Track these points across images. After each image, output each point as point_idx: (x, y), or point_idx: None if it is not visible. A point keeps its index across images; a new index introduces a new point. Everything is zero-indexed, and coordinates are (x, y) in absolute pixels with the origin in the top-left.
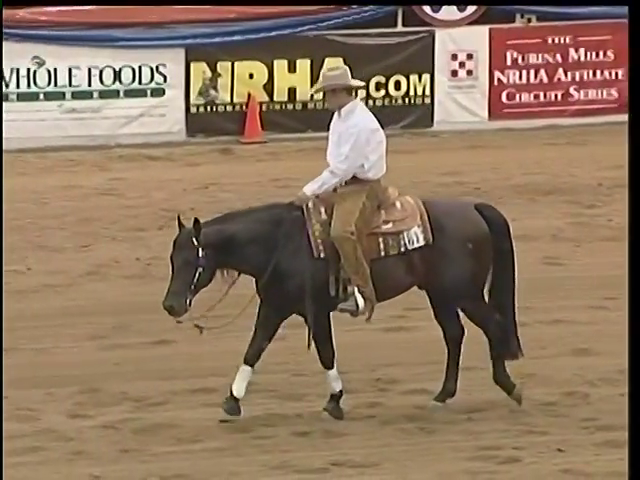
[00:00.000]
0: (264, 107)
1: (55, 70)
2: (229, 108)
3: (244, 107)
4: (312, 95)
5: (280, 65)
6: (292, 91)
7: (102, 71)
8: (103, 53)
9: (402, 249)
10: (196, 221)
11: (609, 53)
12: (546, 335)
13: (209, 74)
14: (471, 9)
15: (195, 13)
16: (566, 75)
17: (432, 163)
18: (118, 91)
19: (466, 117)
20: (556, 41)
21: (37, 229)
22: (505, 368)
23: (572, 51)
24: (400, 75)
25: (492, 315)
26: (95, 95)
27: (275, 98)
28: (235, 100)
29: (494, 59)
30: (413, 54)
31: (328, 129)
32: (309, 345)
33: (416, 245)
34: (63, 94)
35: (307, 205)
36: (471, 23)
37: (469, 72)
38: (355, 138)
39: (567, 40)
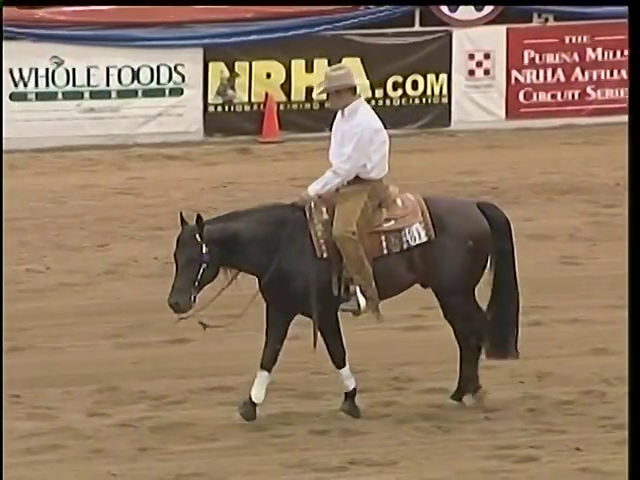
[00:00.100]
0: (281, 107)
1: (74, 70)
2: (247, 108)
3: (262, 107)
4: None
5: (297, 65)
6: (309, 91)
7: (120, 71)
8: (121, 53)
9: (404, 246)
10: (199, 218)
11: (626, 53)
12: (563, 334)
13: (227, 74)
14: (488, 9)
15: (213, 13)
16: (583, 74)
17: (449, 162)
18: (136, 91)
19: (483, 116)
20: (573, 40)
21: (55, 228)
22: (477, 367)
23: (589, 50)
24: (417, 75)
25: (479, 314)
26: (113, 95)
27: (292, 98)
28: (253, 100)
29: (511, 59)
30: (430, 54)
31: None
32: (315, 344)
33: (418, 242)
34: (81, 94)
35: (309, 205)
36: (488, 23)
37: (486, 72)
38: (358, 138)
39: (584, 39)
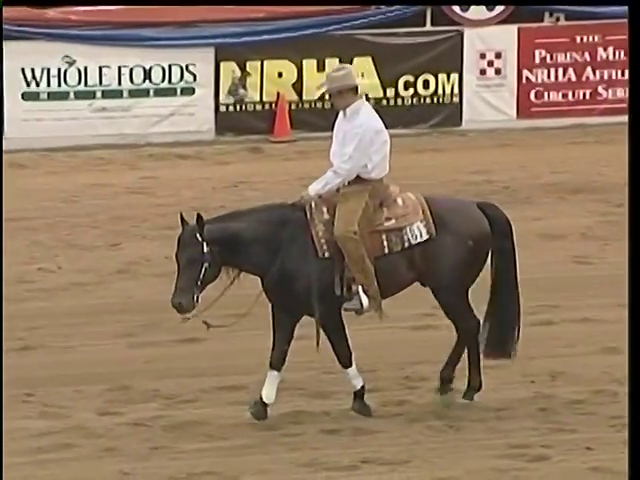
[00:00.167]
0: (293, 106)
1: (85, 69)
2: (258, 107)
3: (273, 106)
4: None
5: (309, 64)
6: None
7: (132, 70)
8: (133, 52)
9: (405, 245)
10: (199, 217)
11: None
12: (574, 333)
13: (238, 73)
14: (500, 8)
15: (224, 13)
16: (594, 74)
17: (460, 162)
18: (148, 90)
19: (494, 116)
20: (584, 40)
21: (67, 227)
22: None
23: (600, 50)
24: (429, 74)
25: (470, 314)
26: (125, 94)
27: (304, 97)
28: (264, 99)
29: (522, 58)
30: (442, 53)
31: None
32: (318, 344)
33: (419, 240)
34: (93, 93)
35: (309, 205)
36: (500, 22)
37: (497, 71)
38: (359, 138)
39: (595, 39)
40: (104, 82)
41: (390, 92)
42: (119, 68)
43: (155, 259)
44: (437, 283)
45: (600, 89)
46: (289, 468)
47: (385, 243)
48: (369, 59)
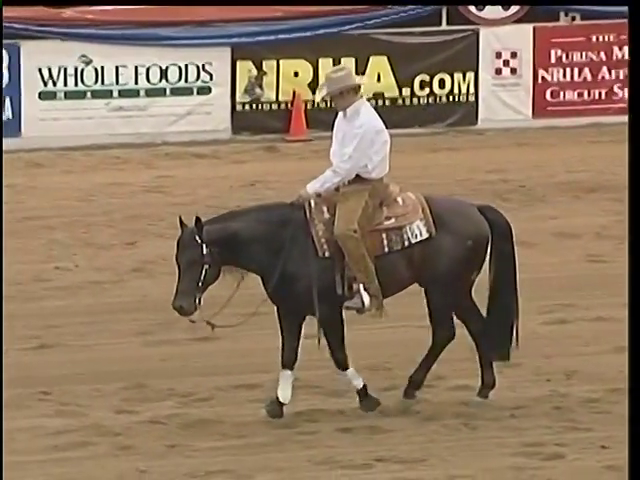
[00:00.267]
0: (309, 105)
1: (102, 68)
2: (274, 106)
3: (289, 105)
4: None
5: (325, 63)
6: None
7: (149, 69)
8: (150, 51)
9: (405, 244)
10: (197, 219)
11: None
12: (589, 332)
13: (255, 72)
14: (515, 8)
15: (241, 12)
16: (610, 73)
17: (476, 161)
18: (165, 89)
19: (510, 115)
20: (600, 39)
21: (84, 226)
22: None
23: (616, 49)
24: (444, 73)
25: (452, 324)
26: (142, 93)
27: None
28: (280, 98)
29: (538, 57)
30: (457, 52)
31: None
32: (319, 342)
33: (419, 238)
34: (110, 92)
35: (309, 204)
36: (515, 21)
37: (513, 70)
38: (360, 139)
39: (611, 38)
40: (121, 81)
41: (406, 91)
42: (136, 67)
43: (171, 258)
44: (433, 282)
45: (616, 88)
46: (304, 466)
47: (385, 242)
48: (385, 58)
